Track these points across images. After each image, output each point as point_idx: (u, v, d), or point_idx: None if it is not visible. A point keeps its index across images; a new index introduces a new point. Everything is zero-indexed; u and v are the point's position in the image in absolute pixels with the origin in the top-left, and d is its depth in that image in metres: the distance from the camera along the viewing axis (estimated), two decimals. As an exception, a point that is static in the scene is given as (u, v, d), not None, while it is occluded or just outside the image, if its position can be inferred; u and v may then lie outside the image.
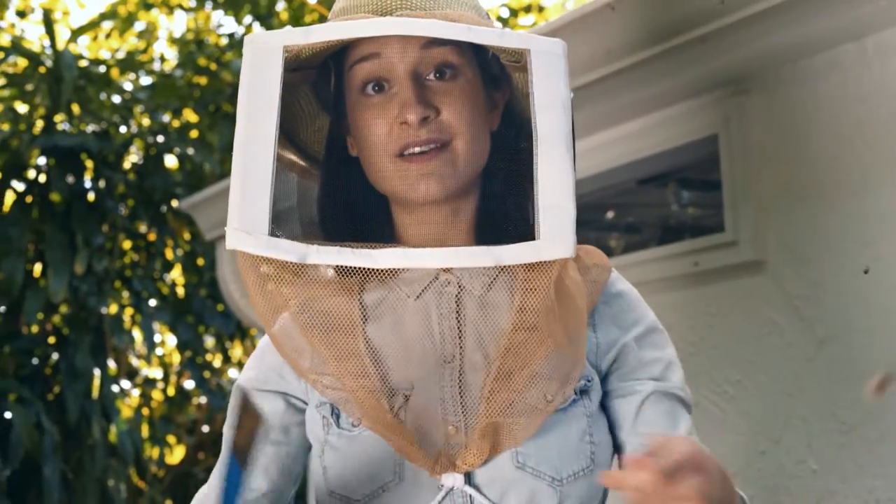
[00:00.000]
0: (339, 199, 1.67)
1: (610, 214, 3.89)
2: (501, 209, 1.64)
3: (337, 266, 1.54)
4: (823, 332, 2.70)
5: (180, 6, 8.45)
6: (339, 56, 1.63)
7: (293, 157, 1.71)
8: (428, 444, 1.55)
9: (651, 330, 1.70)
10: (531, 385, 1.53)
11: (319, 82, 1.69)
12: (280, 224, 1.54)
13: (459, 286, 1.61)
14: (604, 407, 1.65)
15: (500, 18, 8.65)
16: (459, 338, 1.58)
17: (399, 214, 1.65)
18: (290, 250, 1.48)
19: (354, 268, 1.53)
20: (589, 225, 3.81)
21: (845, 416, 2.64)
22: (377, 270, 1.56)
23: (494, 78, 1.65)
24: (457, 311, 1.60)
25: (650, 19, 2.71)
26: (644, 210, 3.83)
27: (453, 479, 1.54)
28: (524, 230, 1.58)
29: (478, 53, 1.63)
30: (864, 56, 2.58)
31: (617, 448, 1.66)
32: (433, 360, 1.57)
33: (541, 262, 1.49)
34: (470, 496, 1.55)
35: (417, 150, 1.54)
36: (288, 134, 1.61)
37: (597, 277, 1.64)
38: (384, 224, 1.67)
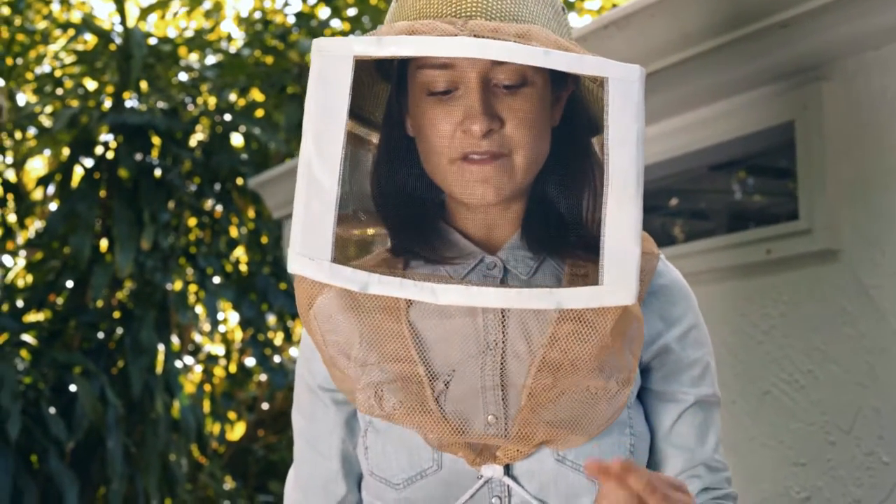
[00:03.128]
0: (393, 175, 1.66)
1: (681, 201, 3.87)
2: (553, 207, 1.63)
3: (385, 254, 1.57)
4: (898, 322, 2.67)
5: (248, -14, 8.50)
6: None
7: (351, 123, 1.67)
8: (468, 432, 1.54)
9: (693, 327, 1.69)
10: (578, 382, 1.52)
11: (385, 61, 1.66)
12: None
13: (505, 270, 1.61)
14: (640, 398, 1.65)
15: (566, 2, 8.62)
16: (503, 324, 1.57)
17: (451, 203, 1.65)
18: (351, 279, 1.47)
19: (399, 245, 1.58)
20: (658, 211, 3.79)
21: (919, 409, 2.62)
22: (422, 249, 1.59)
23: (562, 75, 1.62)
24: None
25: (730, 3, 2.69)
26: (715, 196, 3.80)
27: (493, 471, 1.55)
28: (571, 233, 1.60)
29: None
30: (948, 44, 2.55)
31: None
32: (475, 346, 1.56)
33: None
34: (508, 487, 1.55)
35: (477, 157, 1.53)
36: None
37: (645, 266, 1.61)
38: (436, 203, 1.67)
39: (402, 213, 1.63)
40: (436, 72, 1.54)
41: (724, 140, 3.13)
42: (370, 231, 1.67)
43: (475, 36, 1.46)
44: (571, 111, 1.65)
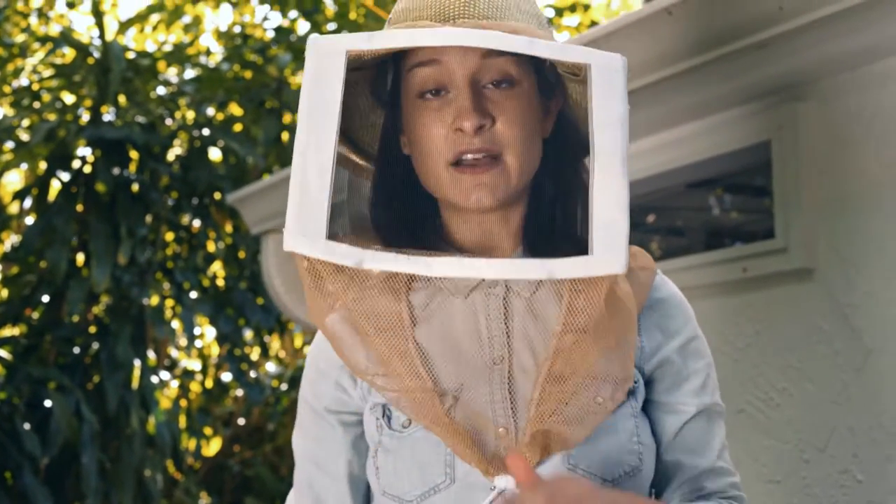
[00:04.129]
0: (390, 195, 1.68)
1: (658, 218, 3.88)
2: (550, 216, 1.66)
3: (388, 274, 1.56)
4: (872, 341, 2.69)
5: (227, 0, 8.49)
6: (397, 57, 1.65)
7: (346, 153, 1.73)
8: (480, 445, 1.56)
9: (693, 338, 1.71)
10: (582, 388, 1.54)
11: (377, 79, 1.71)
12: (333, 218, 1.55)
13: (507, 287, 1.62)
14: (644, 410, 1.67)
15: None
16: (507, 339, 1.59)
17: (449, 215, 1.67)
18: (346, 255, 1.49)
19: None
20: (636, 229, 3.80)
21: (893, 427, 2.63)
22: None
23: (550, 85, 1.67)
24: (504, 313, 1.61)
25: (708, 24, 2.71)
26: (693, 214, 3.82)
27: (506, 482, 1.55)
28: (571, 238, 1.62)
29: (536, 63, 1.64)
30: (923, 66, 2.58)
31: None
32: (481, 362, 1.58)
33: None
34: None
35: (470, 157, 1.56)
36: (343, 130, 1.62)
37: (643, 280, 1.65)
38: (434, 223, 1.68)
39: (402, 233, 1.64)
40: (426, 70, 1.58)
41: (702, 159, 3.15)
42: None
43: None
44: (562, 127, 1.68)
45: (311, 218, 1.48)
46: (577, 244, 1.57)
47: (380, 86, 1.72)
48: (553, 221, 1.65)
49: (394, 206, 1.67)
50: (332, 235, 1.51)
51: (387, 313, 1.57)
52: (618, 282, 1.52)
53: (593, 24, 8.42)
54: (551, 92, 1.67)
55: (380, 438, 1.63)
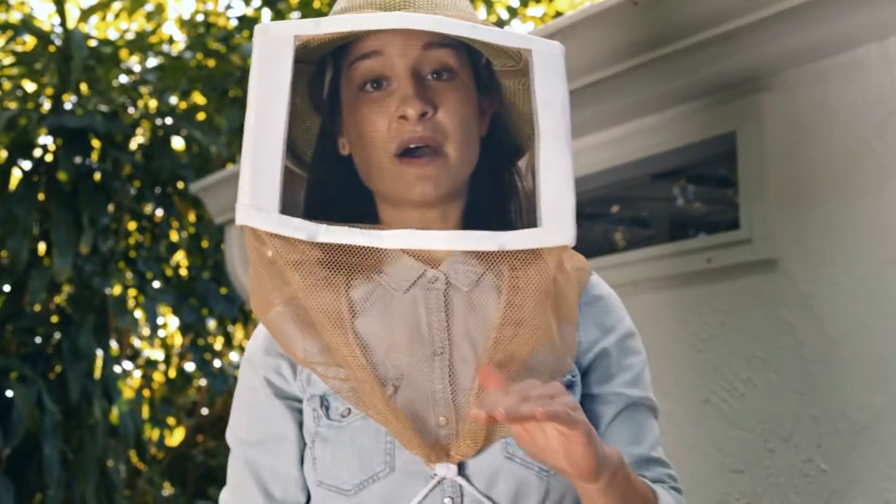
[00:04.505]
0: (326, 197, 1.70)
1: (622, 209, 3.89)
2: (487, 213, 1.68)
3: (327, 258, 1.57)
4: (836, 331, 2.70)
5: (190, -13, 8.44)
6: (338, 53, 1.67)
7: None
8: (422, 432, 1.57)
9: (628, 335, 1.75)
10: (519, 378, 1.54)
11: (314, 80, 1.73)
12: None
13: (447, 282, 1.64)
14: (581, 403, 1.67)
15: (509, 8, 8.64)
16: (448, 332, 1.61)
17: (387, 213, 1.68)
18: (300, 228, 1.51)
19: (340, 264, 1.57)
20: (600, 219, 3.81)
21: (856, 417, 2.65)
22: (363, 265, 1.59)
23: (485, 85, 1.70)
24: (445, 306, 1.63)
25: (673, 14, 2.71)
26: (657, 205, 3.82)
27: (446, 469, 1.57)
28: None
29: (473, 60, 1.68)
30: (887, 57, 2.58)
31: None
32: (422, 352, 1.60)
33: (536, 256, 1.54)
34: (461, 487, 1.57)
35: (413, 146, 1.58)
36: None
37: (579, 279, 1.68)
38: (371, 223, 1.69)
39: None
40: (368, 62, 1.61)
41: (667, 150, 3.16)
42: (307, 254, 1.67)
43: None
44: (497, 128, 1.72)
45: (264, 193, 1.49)
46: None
47: (318, 87, 1.73)
48: (490, 218, 1.67)
49: (331, 207, 1.68)
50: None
51: (325, 307, 1.57)
52: (563, 265, 1.56)
53: (558, 14, 8.42)
54: (487, 91, 1.70)
55: (317, 429, 1.63)
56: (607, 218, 3.86)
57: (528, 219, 1.63)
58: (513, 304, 1.56)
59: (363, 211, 1.69)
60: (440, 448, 1.57)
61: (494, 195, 1.70)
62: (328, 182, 1.70)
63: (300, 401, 1.68)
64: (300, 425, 1.68)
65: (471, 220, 1.68)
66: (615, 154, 3.26)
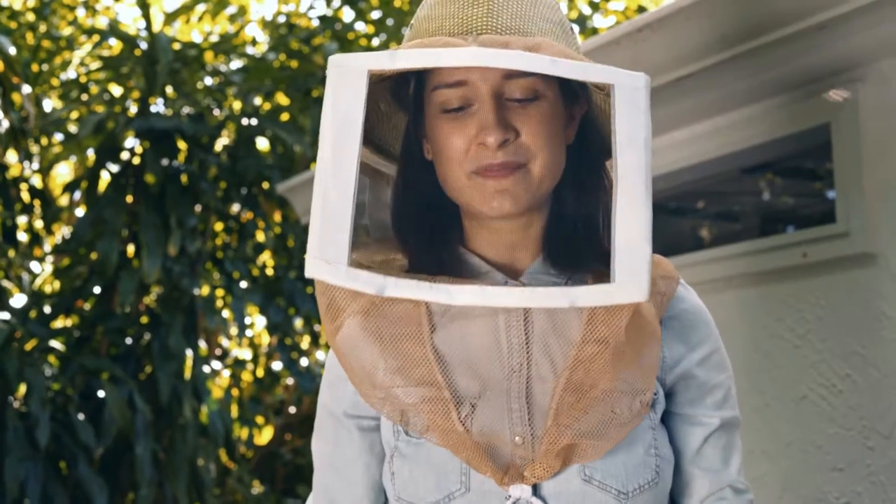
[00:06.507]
0: (411, 200, 1.67)
1: (708, 205, 3.84)
2: (572, 223, 1.64)
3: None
4: (938, 326, 2.65)
5: (271, -11, 8.49)
6: (421, 73, 1.64)
7: (368, 155, 1.72)
8: (495, 454, 1.55)
9: (714, 350, 1.70)
10: (601, 400, 1.53)
11: (398, 82, 1.69)
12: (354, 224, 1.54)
13: None
14: (664, 421, 1.66)
15: (591, 3, 8.59)
16: (527, 347, 1.58)
17: (469, 221, 1.66)
18: (368, 282, 1.47)
19: (419, 272, 1.55)
20: (694, 214, 3.77)
21: (960, 413, 2.59)
22: (444, 277, 1.57)
23: (574, 92, 1.65)
24: (524, 321, 1.59)
25: (766, 6, 2.67)
26: (751, 200, 3.77)
27: (521, 490, 1.55)
28: (592, 246, 1.61)
29: None
30: None
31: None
32: (500, 370, 1.57)
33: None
34: None
35: (494, 169, 1.54)
36: (364, 132, 1.60)
37: (665, 289, 1.65)
38: (454, 228, 1.67)
39: (422, 238, 1.64)
40: (450, 91, 1.56)
41: (758, 143, 3.11)
42: (392, 257, 1.66)
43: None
44: (585, 131, 1.66)
45: (333, 243, 1.47)
46: (598, 254, 1.58)
47: (401, 90, 1.71)
48: (575, 229, 1.64)
49: (414, 210, 1.66)
50: (355, 246, 1.51)
51: (405, 318, 1.56)
52: (640, 306, 1.52)
53: (640, 8, 8.35)
54: (575, 98, 1.65)
55: (396, 444, 1.62)
56: (701, 213, 3.82)
57: (605, 242, 1.59)
58: (595, 321, 1.52)
59: (448, 217, 1.66)
60: (514, 470, 1.55)
61: (580, 205, 1.64)
62: (413, 183, 1.67)
63: (376, 417, 1.68)
64: (374, 443, 1.68)
65: (553, 232, 1.64)
66: (705, 149, 3.22)
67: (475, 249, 1.65)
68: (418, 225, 1.65)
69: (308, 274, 1.48)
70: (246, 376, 8.05)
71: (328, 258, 1.47)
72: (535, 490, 1.55)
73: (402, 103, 1.72)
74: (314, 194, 1.48)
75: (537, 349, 1.57)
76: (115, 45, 7.32)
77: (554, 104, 1.59)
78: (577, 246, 1.61)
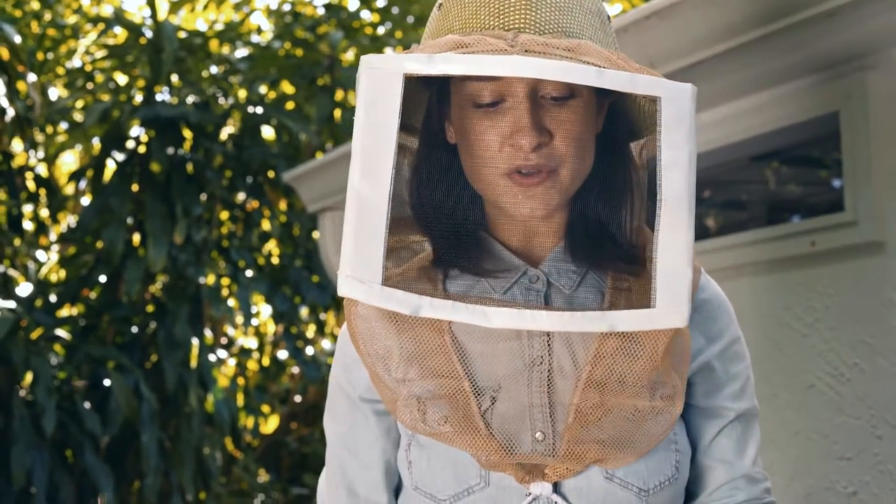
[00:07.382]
0: (433, 182, 1.63)
1: (715, 193, 3.83)
2: (595, 214, 1.61)
3: (424, 263, 1.55)
4: (947, 315, 2.64)
5: (276, -23, 8.47)
6: None
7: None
8: (515, 450, 1.53)
9: (734, 340, 1.68)
10: (620, 392, 1.51)
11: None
12: None
13: (548, 283, 1.59)
14: (681, 414, 1.63)
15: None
16: (548, 340, 1.56)
17: (493, 210, 1.62)
18: (403, 302, 1.45)
19: (439, 256, 1.54)
20: (701, 203, 3.76)
21: (969, 402, 2.58)
22: (464, 260, 1.56)
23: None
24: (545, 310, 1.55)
25: (775, -7, 2.66)
26: (759, 188, 3.76)
27: (541, 488, 1.53)
28: (614, 238, 1.58)
29: None
30: None
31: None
32: (520, 362, 1.55)
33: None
34: None
35: (525, 171, 1.51)
36: None
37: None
38: (477, 212, 1.64)
39: (442, 222, 1.60)
40: (483, 84, 1.51)
41: (768, 131, 3.10)
42: (408, 238, 1.62)
43: (525, 51, 1.43)
44: (612, 115, 1.63)
45: (366, 261, 1.43)
46: (620, 246, 1.56)
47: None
48: (599, 221, 1.61)
49: (437, 194, 1.62)
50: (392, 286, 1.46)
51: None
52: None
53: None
54: (609, 92, 1.58)
55: (413, 433, 1.60)
56: (709, 201, 3.81)
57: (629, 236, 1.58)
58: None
59: (469, 199, 1.61)
60: (535, 468, 1.53)
61: (603, 196, 1.61)
62: (435, 166, 1.62)
63: None
64: (390, 427, 1.66)
65: (577, 222, 1.61)
66: (713, 137, 3.20)
67: (496, 235, 1.62)
68: (440, 209, 1.61)
69: (341, 292, 1.45)
70: (251, 365, 8.05)
71: (362, 277, 1.43)
72: (556, 487, 1.54)
73: (426, 81, 1.62)
74: (347, 206, 1.43)
75: (558, 342, 1.55)
76: (120, 33, 7.31)
77: (588, 100, 1.55)
78: (599, 238, 1.59)
